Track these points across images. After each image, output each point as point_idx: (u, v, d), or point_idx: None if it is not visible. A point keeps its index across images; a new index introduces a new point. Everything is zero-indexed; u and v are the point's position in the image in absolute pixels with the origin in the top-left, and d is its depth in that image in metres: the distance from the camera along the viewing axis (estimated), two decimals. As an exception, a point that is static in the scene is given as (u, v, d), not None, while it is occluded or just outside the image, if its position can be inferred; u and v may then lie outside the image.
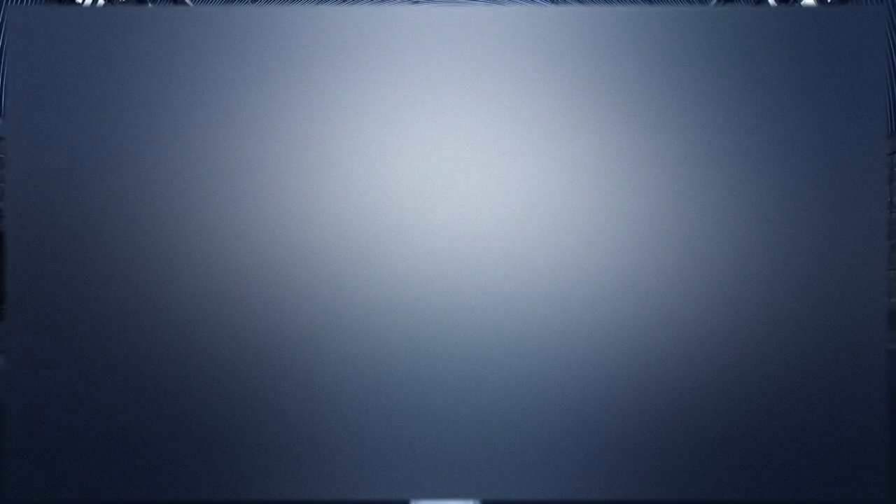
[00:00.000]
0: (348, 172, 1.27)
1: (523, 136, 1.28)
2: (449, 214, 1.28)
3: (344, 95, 1.27)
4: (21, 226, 1.23)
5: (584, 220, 1.28)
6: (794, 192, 1.27)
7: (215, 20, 1.26)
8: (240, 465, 1.26)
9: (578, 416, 1.28)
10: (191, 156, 1.26)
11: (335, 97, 1.27)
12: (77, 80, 1.24)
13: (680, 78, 1.27)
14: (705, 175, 1.27)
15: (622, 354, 1.28)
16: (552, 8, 1.26)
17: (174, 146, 1.26)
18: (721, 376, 1.28)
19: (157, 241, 1.25)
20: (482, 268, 1.28)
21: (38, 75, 1.23)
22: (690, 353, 1.28)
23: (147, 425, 1.25)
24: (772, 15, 1.26)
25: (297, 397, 1.27)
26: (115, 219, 1.25)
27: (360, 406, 1.27)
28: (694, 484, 1.29)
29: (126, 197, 1.25)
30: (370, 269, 1.27)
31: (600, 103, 1.28)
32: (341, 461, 1.27)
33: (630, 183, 1.28)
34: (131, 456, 1.25)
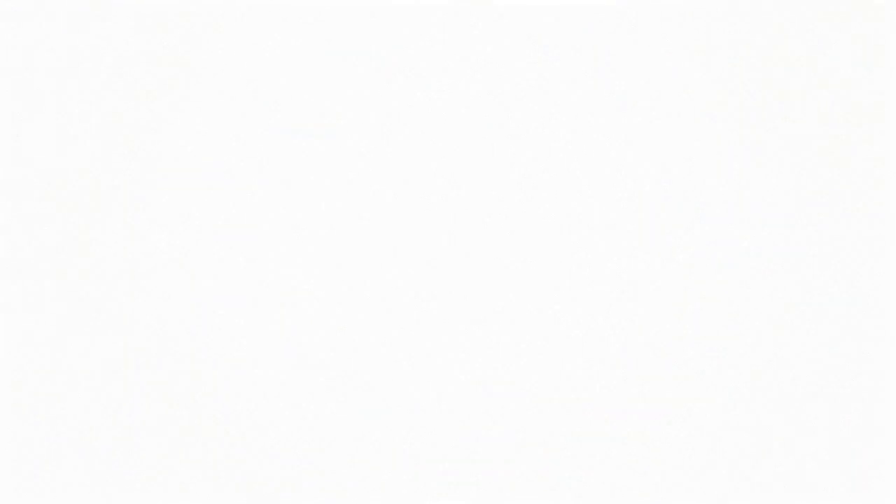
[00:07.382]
0: (348, 171, 1.27)
1: (523, 135, 1.27)
2: (447, 215, 1.27)
3: (343, 94, 1.27)
4: (20, 227, 1.23)
5: (583, 222, 1.28)
6: (793, 192, 1.27)
7: (214, 20, 1.25)
8: (241, 469, 1.26)
9: (577, 420, 1.28)
10: (190, 155, 1.26)
11: (334, 95, 1.27)
12: (72, 78, 1.23)
13: (678, 78, 1.27)
14: (704, 175, 1.27)
15: (622, 358, 1.28)
16: (554, 3, 1.26)
17: (172, 147, 1.25)
18: (721, 379, 1.28)
19: (156, 244, 1.25)
20: (482, 270, 1.27)
21: (30, 71, 1.23)
22: (690, 357, 1.28)
23: (146, 426, 1.25)
24: (771, 13, 1.26)
25: (297, 403, 1.27)
26: (115, 220, 1.24)
27: (362, 412, 1.27)
28: (694, 485, 1.29)
29: (125, 199, 1.25)
30: (370, 272, 1.27)
31: (597, 104, 1.27)
32: (343, 466, 1.27)
33: (632, 185, 1.27)
34: (130, 457, 1.24)
